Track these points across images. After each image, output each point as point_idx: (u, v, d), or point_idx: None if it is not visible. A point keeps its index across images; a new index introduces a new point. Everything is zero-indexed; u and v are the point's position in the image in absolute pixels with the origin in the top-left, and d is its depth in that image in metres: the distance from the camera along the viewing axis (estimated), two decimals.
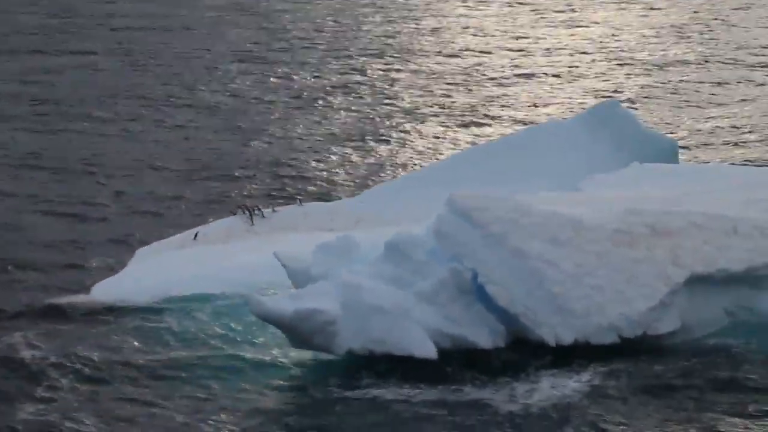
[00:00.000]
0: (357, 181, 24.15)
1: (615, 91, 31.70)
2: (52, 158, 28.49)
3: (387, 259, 14.12)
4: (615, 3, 52.51)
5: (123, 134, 31.18)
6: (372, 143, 29.01)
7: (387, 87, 38.17)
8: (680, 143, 23.60)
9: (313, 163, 26.77)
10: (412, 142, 28.01)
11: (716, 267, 14.75)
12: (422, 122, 30.89)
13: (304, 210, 20.48)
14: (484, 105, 34.55)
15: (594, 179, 17.75)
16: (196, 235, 19.62)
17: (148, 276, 17.27)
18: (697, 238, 14.93)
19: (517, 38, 45.93)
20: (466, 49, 47.38)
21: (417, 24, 52.87)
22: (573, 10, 52.17)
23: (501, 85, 38.10)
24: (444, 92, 36.79)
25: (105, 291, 16.78)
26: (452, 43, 47.33)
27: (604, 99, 22.27)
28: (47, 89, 38.91)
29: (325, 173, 25.70)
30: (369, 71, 40.44)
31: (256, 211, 19.69)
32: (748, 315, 15.01)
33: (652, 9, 51.57)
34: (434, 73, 40.01)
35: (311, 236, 17.40)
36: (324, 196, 22.01)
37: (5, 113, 33.06)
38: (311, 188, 23.90)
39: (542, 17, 51.89)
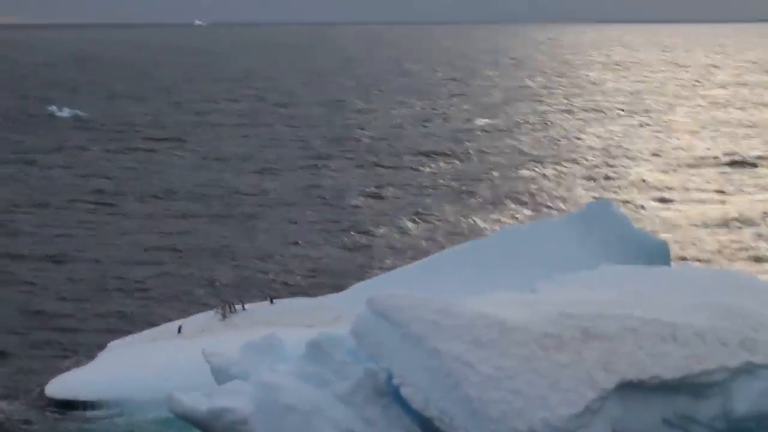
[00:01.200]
0: (344, 275, 24.41)
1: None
2: (43, 244, 29.30)
3: (309, 358, 14.09)
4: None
5: (113, 224, 31.92)
6: (361, 239, 29.27)
7: (378, 185, 38.58)
8: None
9: (302, 256, 27.12)
10: (407, 236, 28.19)
11: (649, 374, 14.38)
12: (412, 220, 31.13)
13: (286, 305, 20.65)
14: (476, 201, 34.65)
15: (554, 280, 17.54)
16: (180, 329, 19.87)
17: (106, 372, 17.49)
18: (631, 343, 14.62)
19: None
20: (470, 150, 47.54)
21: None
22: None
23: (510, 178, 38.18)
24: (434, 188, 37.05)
25: (60, 385, 17.04)
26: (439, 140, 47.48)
27: (598, 198, 22.01)
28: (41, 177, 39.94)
29: (310, 266, 26.01)
30: (356, 170, 40.86)
31: (236, 307, 19.93)
32: (689, 424, 14.63)
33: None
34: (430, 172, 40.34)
35: (285, 332, 17.49)
36: (310, 290, 22.24)
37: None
38: (298, 281, 24.22)
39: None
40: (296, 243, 29.20)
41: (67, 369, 17.97)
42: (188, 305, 22.13)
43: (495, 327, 14.23)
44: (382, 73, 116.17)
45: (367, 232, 30.45)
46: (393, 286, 20.40)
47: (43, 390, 17.02)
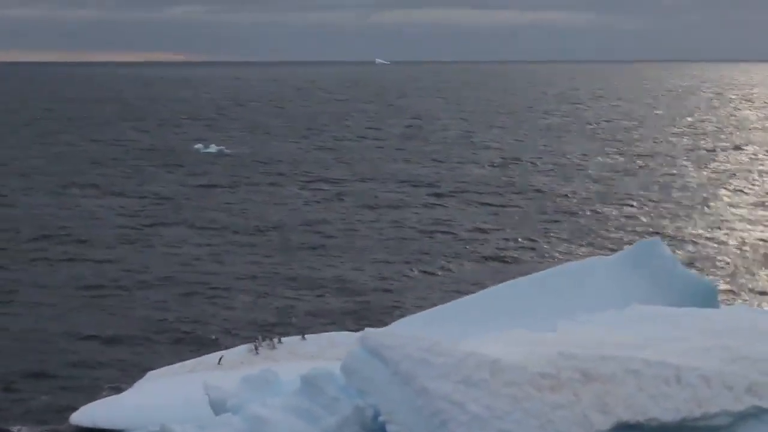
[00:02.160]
0: (392, 311, 24.54)
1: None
2: (82, 277, 30.12)
3: (302, 393, 14.23)
4: None
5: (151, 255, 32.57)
6: (407, 275, 29.31)
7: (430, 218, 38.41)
8: None
9: (347, 292, 27.27)
10: (450, 274, 28.09)
11: (648, 416, 14.13)
12: (456, 259, 30.96)
13: (319, 339, 20.86)
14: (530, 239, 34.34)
15: (576, 319, 17.37)
16: (220, 360, 20.28)
17: (136, 401, 17.93)
18: (631, 385, 14.39)
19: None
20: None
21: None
22: None
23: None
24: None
25: (87, 413, 17.53)
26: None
27: (647, 237, 21.74)
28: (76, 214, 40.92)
29: (354, 304, 26.17)
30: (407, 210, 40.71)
31: (273, 341, 20.23)
32: None
33: None
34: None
35: (303, 365, 17.72)
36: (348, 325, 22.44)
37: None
38: (339, 316, 24.43)
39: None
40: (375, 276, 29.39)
41: (102, 396, 18.51)
42: (233, 336, 22.58)
43: (486, 366, 14.15)
44: (601, 111, 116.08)
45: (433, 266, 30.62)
46: (429, 323, 20.67)
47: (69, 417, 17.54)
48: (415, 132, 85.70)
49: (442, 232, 36.74)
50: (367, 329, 14.46)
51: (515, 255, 32.92)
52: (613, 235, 36.13)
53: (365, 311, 25.98)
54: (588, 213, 41.77)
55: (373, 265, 31.17)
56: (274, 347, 20.27)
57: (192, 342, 22.76)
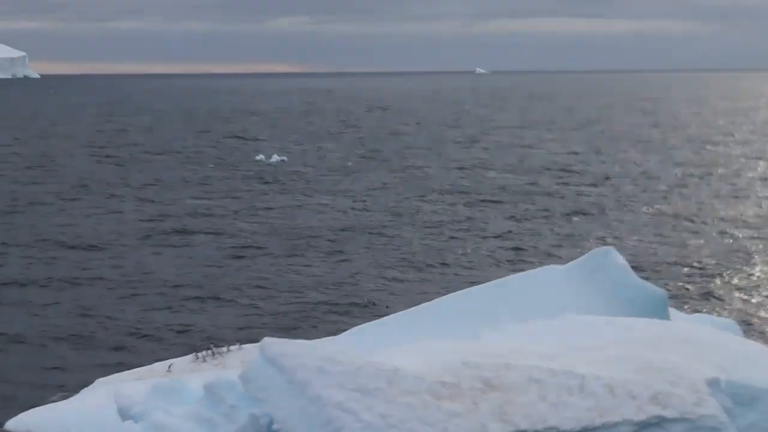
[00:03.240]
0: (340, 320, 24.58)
1: None
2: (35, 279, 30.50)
3: (204, 402, 14.42)
4: None
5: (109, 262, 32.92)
6: (354, 287, 29.37)
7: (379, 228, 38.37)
8: None
9: (296, 300, 27.34)
10: (398, 285, 28.06)
11: (546, 425, 14.08)
12: (415, 267, 30.93)
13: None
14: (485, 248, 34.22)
15: (502, 329, 17.40)
16: (170, 367, 20.43)
17: (76, 407, 18.10)
18: (533, 393, 14.40)
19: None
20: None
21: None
22: None
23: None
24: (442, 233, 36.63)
25: (23, 419, 17.72)
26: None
27: (601, 246, 21.69)
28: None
29: (303, 310, 26.23)
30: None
31: (214, 349, 20.35)
32: None
33: None
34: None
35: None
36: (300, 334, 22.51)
37: None
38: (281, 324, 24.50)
39: None
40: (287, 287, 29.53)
41: (47, 403, 18.76)
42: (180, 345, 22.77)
43: (384, 375, 14.21)
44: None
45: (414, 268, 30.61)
46: (381, 332, 20.72)
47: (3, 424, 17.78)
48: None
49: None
50: (266, 338, 14.60)
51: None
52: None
53: (344, 320, 26.07)
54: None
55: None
56: (223, 355, 20.41)
57: (153, 348, 22.99)
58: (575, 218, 42.16)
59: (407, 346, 16.08)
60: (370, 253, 34.53)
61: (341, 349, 14.80)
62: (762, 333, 24.60)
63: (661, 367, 15.12)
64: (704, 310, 23.98)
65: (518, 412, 14.15)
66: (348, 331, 20.97)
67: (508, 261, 32.06)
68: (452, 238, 37.15)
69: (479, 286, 22.91)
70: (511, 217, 42.34)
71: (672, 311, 22.28)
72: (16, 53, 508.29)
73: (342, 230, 39.91)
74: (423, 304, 21.88)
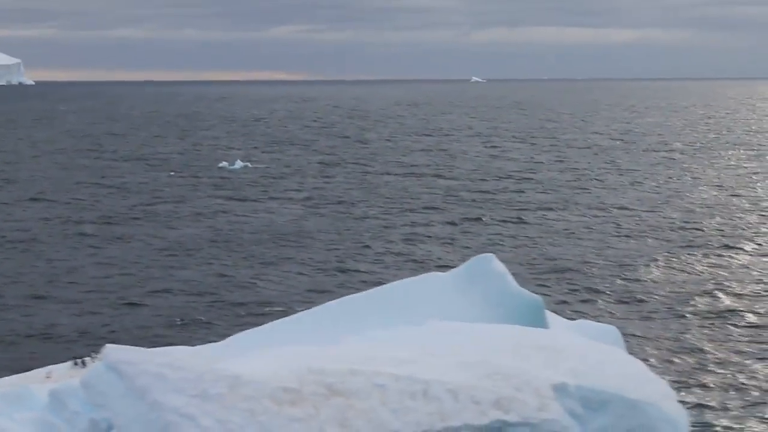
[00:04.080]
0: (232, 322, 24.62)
1: None
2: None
3: (49, 408, 14.46)
4: None
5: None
6: (236, 292, 29.51)
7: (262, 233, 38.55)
8: None
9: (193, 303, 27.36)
10: (269, 288, 28.16)
11: (387, 429, 14.16)
12: (296, 270, 31.09)
13: (163, 353, 20.87)
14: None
15: (365, 335, 17.47)
16: (48, 374, 20.35)
17: None
18: (376, 399, 14.48)
19: None
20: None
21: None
22: None
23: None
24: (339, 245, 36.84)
25: None
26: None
27: (482, 253, 21.81)
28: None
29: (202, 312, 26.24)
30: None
31: (93, 355, 20.29)
32: None
33: None
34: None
35: None
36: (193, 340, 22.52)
37: None
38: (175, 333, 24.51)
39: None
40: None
41: None
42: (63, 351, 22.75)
43: (224, 381, 14.24)
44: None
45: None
46: (257, 338, 20.73)
47: None
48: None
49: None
50: (108, 345, 14.61)
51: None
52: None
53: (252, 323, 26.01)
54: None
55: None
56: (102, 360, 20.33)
57: (48, 352, 22.94)
58: (496, 224, 42.34)
59: (262, 351, 16.12)
60: (296, 259, 34.59)
61: (186, 356, 14.83)
62: (644, 338, 24.84)
63: (509, 373, 15.25)
64: (595, 316, 24.15)
65: (359, 417, 14.22)
66: (229, 338, 20.99)
67: (421, 267, 32.18)
68: (390, 243, 37.23)
69: (364, 292, 22.99)
70: (435, 224, 42.46)
71: (555, 318, 22.44)
72: (11, 60, 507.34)
73: (278, 236, 40.02)
74: (303, 311, 21.93)
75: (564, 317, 23.14)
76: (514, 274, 21.36)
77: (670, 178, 62.16)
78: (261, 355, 15.91)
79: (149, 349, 14.73)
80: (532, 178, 62.03)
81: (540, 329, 18.02)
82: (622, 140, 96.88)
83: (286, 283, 30.59)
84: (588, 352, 17.01)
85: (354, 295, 22.60)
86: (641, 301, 28.25)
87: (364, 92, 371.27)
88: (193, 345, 21.96)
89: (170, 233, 40.66)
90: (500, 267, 22.33)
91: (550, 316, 22.32)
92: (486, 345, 16.47)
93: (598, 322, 23.40)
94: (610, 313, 26.51)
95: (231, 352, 17.88)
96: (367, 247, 36.46)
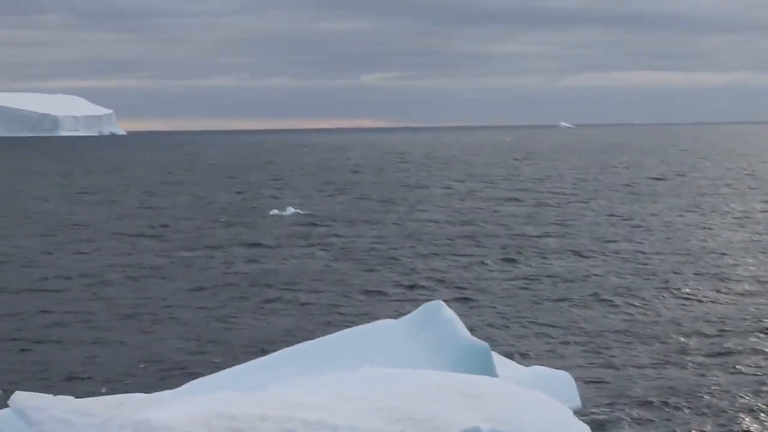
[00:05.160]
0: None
1: None
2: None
3: None
4: None
5: None
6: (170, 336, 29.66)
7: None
8: None
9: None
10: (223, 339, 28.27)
11: None
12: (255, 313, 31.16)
13: (114, 401, 20.98)
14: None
15: (287, 381, 17.62)
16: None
17: None
18: None
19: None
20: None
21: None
22: None
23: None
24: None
25: None
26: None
27: (432, 300, 21.93)
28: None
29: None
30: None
31: None
32: None
33: None
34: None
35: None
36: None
37: None
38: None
39: None
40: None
41: None
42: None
43: (131, 426, 14.37)
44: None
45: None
46: (208, 385, 20.85)
47: None
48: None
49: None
50: (17, 392, 14.82)
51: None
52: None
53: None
54: None
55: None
56: None
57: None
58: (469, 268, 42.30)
59: (189, 398, 16.27)
60: (318, 304, 34.77)
61: (97, 402, 14.99)
62: (599, 381, 24.73)
63: (421, 418, 15.27)
64: (554, 364, 24.07)
65: None
66: (183, 386, 21.15)
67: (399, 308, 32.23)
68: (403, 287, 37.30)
69: (319, 338, 23.09)
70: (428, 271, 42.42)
71: (509, 363, 22.46)
72: (103, 111, 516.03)
73: (292, 281, 40.23)
74: (257, 359, 22.05)
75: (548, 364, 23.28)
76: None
77: None
78: (184, 402, 16.03)
79: (59, 396, 14.91)
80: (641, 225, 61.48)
81: (469, 375, 18.03)
82: None
83: (302, 329, 30.70)
84: (513, 397, 17.02)
85: (307, 342, 22.77)
86: (601, 348, 28.14)
87: (447, 137, 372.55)
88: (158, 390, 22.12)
89: (199, 276, 41.07)
90: (450, 313, 22.40)
91: (504, 363, 22.35)
92: (406, 390, 16.52)
93: (558, 368, 23.46)
94: (570, 358, 26.42)
95: (165, 399, 17.99)
96: (381, 292, 36.61)
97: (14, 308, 35.24)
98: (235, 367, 22.01)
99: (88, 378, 26.05)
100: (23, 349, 29.24)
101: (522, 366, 22.52)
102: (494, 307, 34.78)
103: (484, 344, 21.45)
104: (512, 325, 31.52)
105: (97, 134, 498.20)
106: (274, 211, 70.15)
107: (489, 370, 20.51)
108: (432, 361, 20.47)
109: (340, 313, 33.57)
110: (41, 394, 14.82)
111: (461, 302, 34.85)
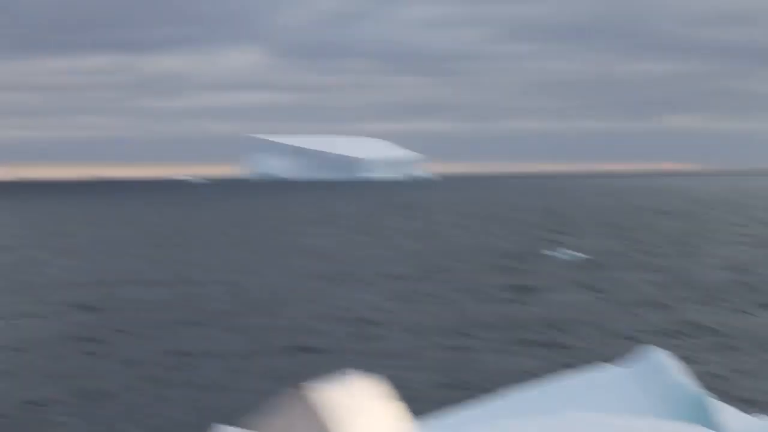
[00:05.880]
0: None
1: None
2: None
3: None
4: None
5: None
6: None
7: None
8: None
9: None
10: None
11: None
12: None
13: None
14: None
15: (494, 425, 17.88)
16: None
17: None
18: None
19: None
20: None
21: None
22: None
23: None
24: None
25: None
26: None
27: (645, 344, 21.56)
28: None
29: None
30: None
31: None
32: None
33: None
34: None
35: None
36: None
37: None
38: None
39: None
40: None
41: None
42: None
43: None
44: None
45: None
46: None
47: None
48: None
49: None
50: (216, 424, 15.67)
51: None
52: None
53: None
54: None
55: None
56: None
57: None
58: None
59: None
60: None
61: None
62: None
63: None
64: None
65: None
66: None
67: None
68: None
69: (534, 382, 23.10)
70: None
71: (732, 413, 21.84)
72: (410, 153, 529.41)
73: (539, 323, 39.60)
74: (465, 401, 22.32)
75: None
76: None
77: None
78: None
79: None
80: None
81: (678, 424, 17.73)
82: None
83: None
84: None
85: (525, 384, 22.93)
86: None
87: (750, 183, 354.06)
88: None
89: (456, 312, 40.96)
90: (667, 359, 21.99)
91: (727, 411, 21.72)
92: None
93: None
94: None
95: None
96: (632, 338, 35.73)
97: None
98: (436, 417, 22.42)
99: None
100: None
101: (748, 415, 21.91)
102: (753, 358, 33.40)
103: (699, 392, 20.91)
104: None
105: (402, 176, 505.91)
106: (546, 251, 68.82)
107: (705, 420, 20.05)
108: (642, 407, 20.16)
109: (586, 357, 33.02)
110: (240, 429, 15.51)
111: (711, 351, 33.60)
